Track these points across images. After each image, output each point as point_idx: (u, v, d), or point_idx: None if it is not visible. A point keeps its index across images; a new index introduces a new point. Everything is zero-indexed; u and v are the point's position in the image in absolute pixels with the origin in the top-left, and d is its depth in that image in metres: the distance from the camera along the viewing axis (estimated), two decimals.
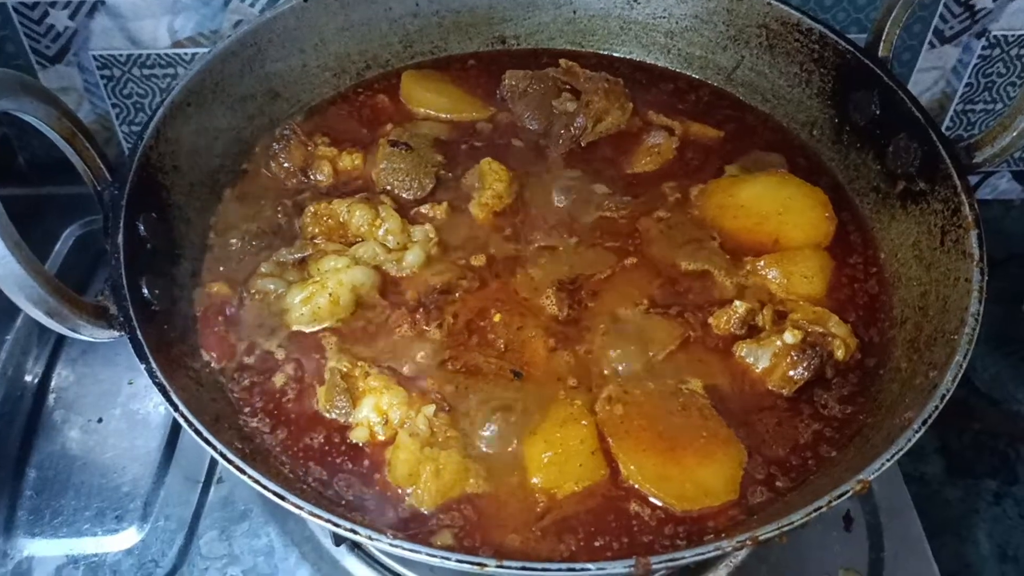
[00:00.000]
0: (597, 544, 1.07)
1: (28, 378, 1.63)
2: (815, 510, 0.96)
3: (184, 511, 1.46)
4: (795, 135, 1.57)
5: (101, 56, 1.80)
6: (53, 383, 1.63)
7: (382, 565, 1.39)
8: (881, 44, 1.43)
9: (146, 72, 1.83)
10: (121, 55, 1.80)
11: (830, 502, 0.96)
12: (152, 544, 1.43)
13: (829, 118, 1.52)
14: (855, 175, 1.47)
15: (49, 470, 1.50)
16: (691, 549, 0.94)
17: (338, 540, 1.38)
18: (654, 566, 0.92)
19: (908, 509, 1.48)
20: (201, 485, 1.49)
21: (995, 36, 1.85)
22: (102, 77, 1.84)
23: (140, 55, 1.80)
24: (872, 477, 0.98)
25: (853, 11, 1.79)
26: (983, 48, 1.86)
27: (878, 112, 1.42)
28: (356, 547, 1.41)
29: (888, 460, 1.00)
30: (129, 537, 1.43)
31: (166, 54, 1.80)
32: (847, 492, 0.97)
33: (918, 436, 1.02)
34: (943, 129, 1.39)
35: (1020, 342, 1.79)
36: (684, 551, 0.94)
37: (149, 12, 1.74)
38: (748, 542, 0.93)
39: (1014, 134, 1.23)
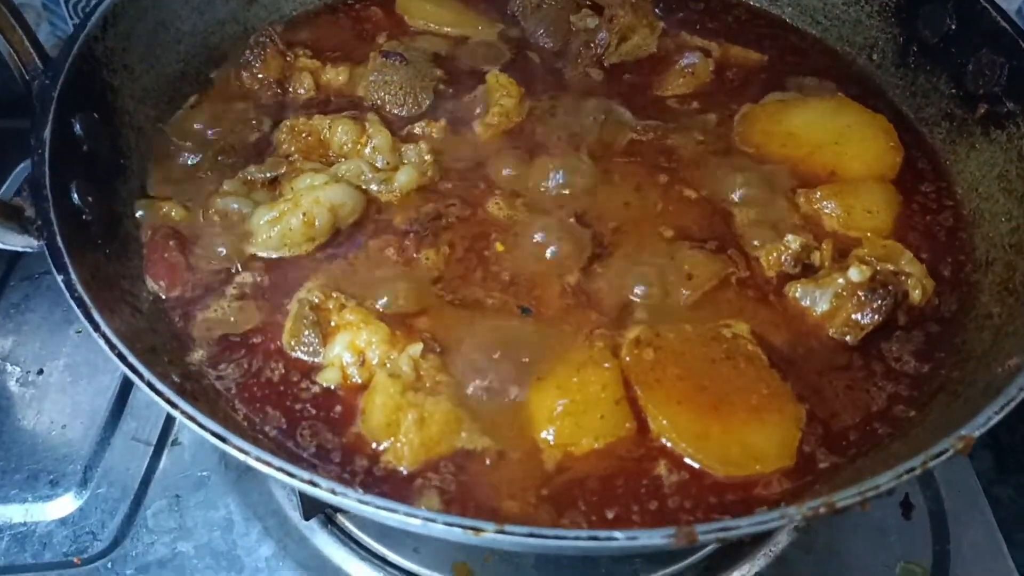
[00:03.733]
0: (620, 512, 0.86)
1: None
2: (907, 471, 0.75)
3: (130, 477, 1.26)
4: (851, 60, 1.37)
5: None
6: None
7: (358, 544, 1.18)
8: None
9: None
10: None
11: (925, 462, 0.76)
12: (90, 514, 1.23)
13: (892, 38, 1.32)
14: (924, 102, 1.27)
15: None
16: (748, 518, 0.72)
17: (308, 513, 1.16)
18: (702, 537, 0.70)
19: (976, 494, 1.28)
20: (152, 448, 1.28)
21: None
22: None
23: None
24: (978, 433, 0.77)
25: None
26: None
27: (953, 26, 1.23)
28: (329, 522, 1.19)
29: (997, 413, 0.80)
30: (64, 505, 1.24)
31: None
32: (946, 451, 0.77)
33: None
34: None
35: None
36: (739, 520, 0.72)
37: None
38: (822, 509, 0.72)
39: None
